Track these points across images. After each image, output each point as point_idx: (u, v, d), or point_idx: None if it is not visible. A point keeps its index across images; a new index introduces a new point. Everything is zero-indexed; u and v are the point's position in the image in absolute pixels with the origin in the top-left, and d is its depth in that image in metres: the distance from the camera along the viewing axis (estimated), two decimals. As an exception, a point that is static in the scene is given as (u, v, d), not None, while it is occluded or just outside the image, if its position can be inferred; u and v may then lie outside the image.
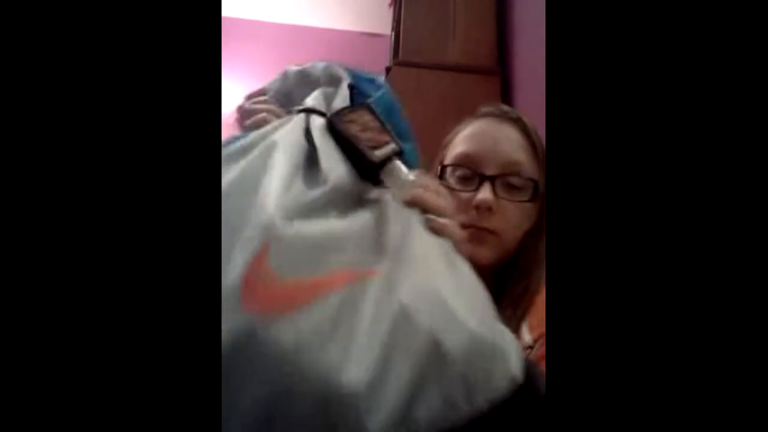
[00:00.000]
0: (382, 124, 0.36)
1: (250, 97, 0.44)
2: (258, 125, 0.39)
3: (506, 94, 1.56)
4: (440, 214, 0.36)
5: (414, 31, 1.68)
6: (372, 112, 0.37)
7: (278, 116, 0.40)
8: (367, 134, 0.35)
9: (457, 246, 0.35)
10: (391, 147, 0.35)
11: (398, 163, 0.34)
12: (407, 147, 0.39)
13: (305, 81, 0.43)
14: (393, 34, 1.99)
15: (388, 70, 1.65)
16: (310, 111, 0.38)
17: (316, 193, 0.31)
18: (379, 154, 0.34)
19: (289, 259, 0.27)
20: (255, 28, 3.16)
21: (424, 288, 0.29)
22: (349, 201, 0.33)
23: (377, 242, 0.31)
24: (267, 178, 0.30)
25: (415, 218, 0.34)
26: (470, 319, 0.28)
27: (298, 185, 0.31)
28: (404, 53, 1.65)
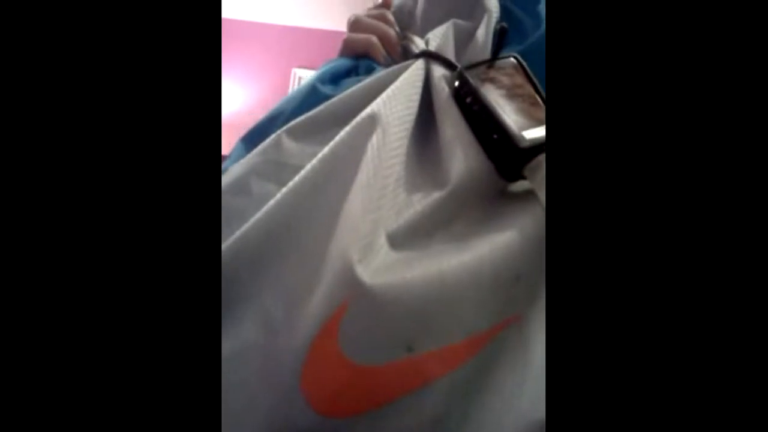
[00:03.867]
0: (537, 88, 0.24)
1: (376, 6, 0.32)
2: (356, 50, 0.29)
3: (507, 95, 1.56)
4: None
5: (415, 32, 1.68)
6: (523, 68, 0.25)
7: (389, 42, 0.29)
8: (513, 104, 0.23)
9: None
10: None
11: None
12: None
13: (440, 2, 0.31)
14: (394, 35, 1.99)
15: (389, 71, 1.65)
16: (432, 57, 0.26)
17: (428, 202, 0.21)
18: (530, 137, 0.22)
19: (369, 334, 0.18)
20: (255, 30, 3.17)
21: None
22: (478, 211, 0.22)
23: (515, 280, 0.20)
24: (356, 185, 0.20)
25: None
26: None
27: (401, 192, 0.22)
28: (405, 54, 1.65)
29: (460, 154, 0.22)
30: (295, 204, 0.21)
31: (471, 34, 0.28)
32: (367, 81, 0.26)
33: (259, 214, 0.21)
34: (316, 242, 0.20)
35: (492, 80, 0.24)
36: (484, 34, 0.28)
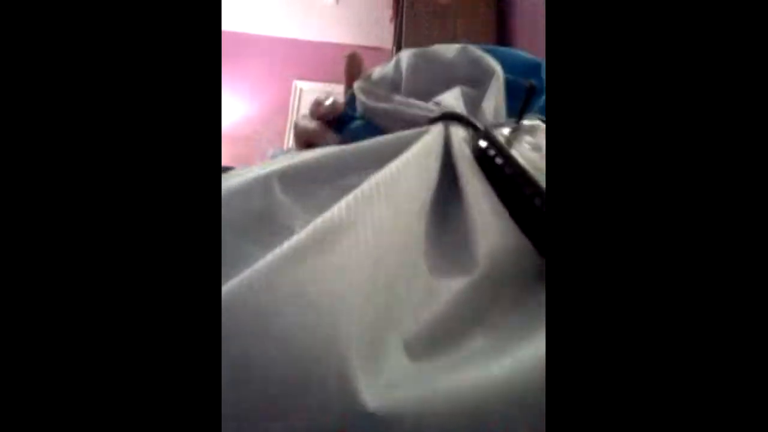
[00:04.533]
0: None
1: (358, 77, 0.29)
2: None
3: (507, 107, 1.57)
4: None
5: (415, 44, 1.69)
6: None
7: (319, 137, 0.26)
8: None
9: None
10: None
11: None
12: None
13: (429, 67, 0.28)
14: (394, 48, 2.01)
15: (389, 83, 1.66)
16: (453, 118, 0.23)
17: (454, 291, 0.17)
18: None
19: None
20: (256, 42, 3.19)
21: None
22: (518, 300, 0.18)
23: None
24: (350, 277, 0.16)
25: None
26: None
27: (418, 282, 0.17)
28: (405, 66, 1.66)
29: (490, 227, 0.19)
30: (276, 272, 0.16)
31: (479, 100, 0.25)
32: (376, 142, 0.22)
33: (229, 284, 0.16)
34: (294, 324, 0.15)
35: (522, 141, 0.21)
36: (494, 99, 0.25)
